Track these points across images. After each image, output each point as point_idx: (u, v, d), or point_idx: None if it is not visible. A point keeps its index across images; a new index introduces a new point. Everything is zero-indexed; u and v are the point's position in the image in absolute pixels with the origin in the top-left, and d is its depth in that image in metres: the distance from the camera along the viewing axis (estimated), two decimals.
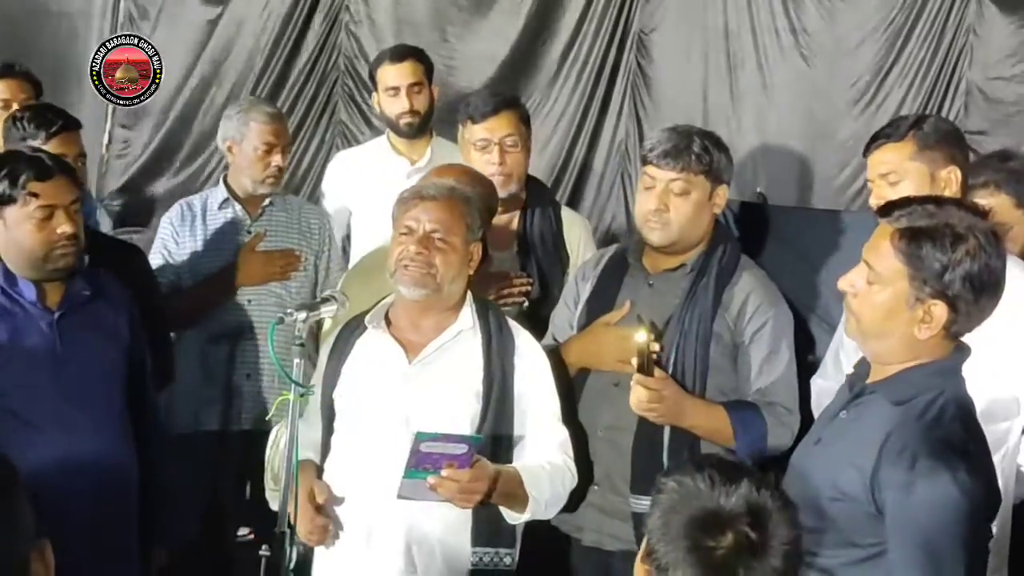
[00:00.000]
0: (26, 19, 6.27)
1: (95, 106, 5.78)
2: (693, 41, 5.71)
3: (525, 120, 3.88)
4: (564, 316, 3.47)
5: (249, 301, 4.13)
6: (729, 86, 5.65)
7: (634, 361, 3.10)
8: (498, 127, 3.76)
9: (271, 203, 4.23)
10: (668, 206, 3.25)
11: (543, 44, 5.95)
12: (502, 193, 3.69)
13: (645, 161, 3.32)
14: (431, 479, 2.79)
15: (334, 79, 6.24)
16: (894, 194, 2.90)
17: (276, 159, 4.17)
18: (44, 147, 3.55)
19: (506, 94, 4.02)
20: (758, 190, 5.24)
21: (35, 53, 5.72)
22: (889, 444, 2.27)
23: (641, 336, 3.08)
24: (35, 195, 3.09)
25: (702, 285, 3.27)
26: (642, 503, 3.17)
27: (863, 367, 2.49)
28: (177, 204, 4.31)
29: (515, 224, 3.82)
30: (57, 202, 3.12)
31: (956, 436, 2.27)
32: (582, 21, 5.90)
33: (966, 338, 2.40)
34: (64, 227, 3.11)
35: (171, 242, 4.17)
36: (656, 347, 3.17)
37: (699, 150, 3.26)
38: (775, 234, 4.21)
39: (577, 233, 3.91)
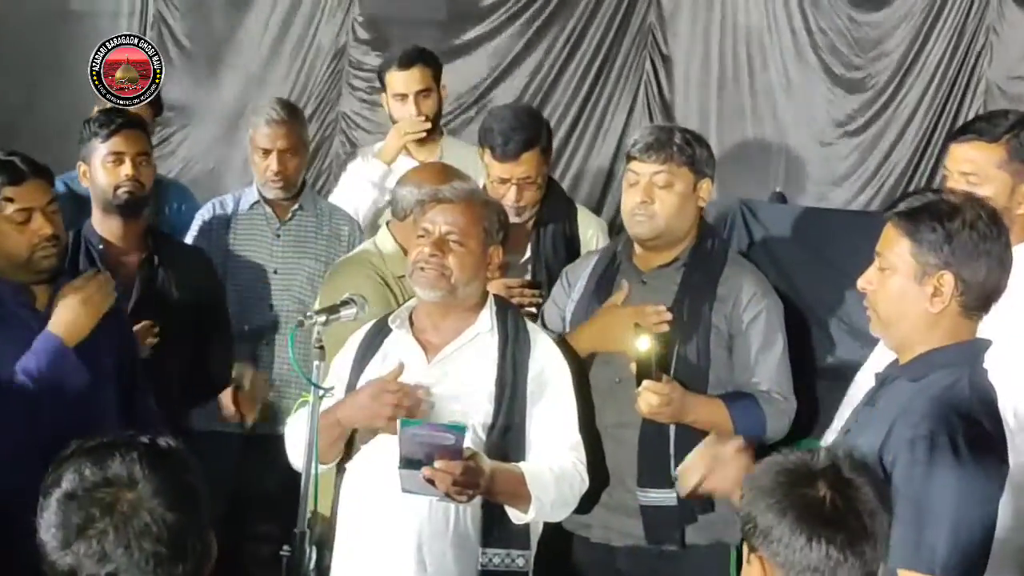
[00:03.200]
0: (52, 20, 6.31)
1: None
2: (709, 41, 5.70)
3: (547, 150, 3.83)
4: (554, 316, 3.50)
5: (271, 306, 4.16)
6: (746, 85, 5.64)
7: (632, 367, 3.12)
8: (518, 170, 3.73)
9: (300, 207, 4.23)
10: (653, 198, 3.29)
11: (554, 43, 5.96)
12: (512, 220, 3.69)
13: (629, 158, 3.37)
14: (426, 471, 2.81)
15: (338, 71, 6.25)
16: None
17: (272, 164, 4.14)
18: (104, 145, 3.66)
19: (529, 130, 3.76)
20: (776, 189, 5.24)
21: (62, 55, 5.77)
22: (902, 412, 2.36)
23: (644, 343, 3.09)
24: (10, 199, 3.09)
25: (695, 279, 3.31)
26: (649, 496, 3.22)
27: (892, 368, 2.53)
28: (210, 202, 4.33)
29: (529, 229, 3.83)
30: (34, 204, 3.11)
31: (965, 409, 2.33)
32: (591, 19, 5.90)
33: (1008, 342, 2.46)
34: (44, 229, 3.10)
35: (202, 239, 4.18)
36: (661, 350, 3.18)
37: (681, 142, 3.31)
38: (793, 233, 4.21)
39: (592, 234, 3.92)
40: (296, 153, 4.20)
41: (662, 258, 3.36)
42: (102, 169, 3.69)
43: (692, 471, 2.85)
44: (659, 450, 3.24)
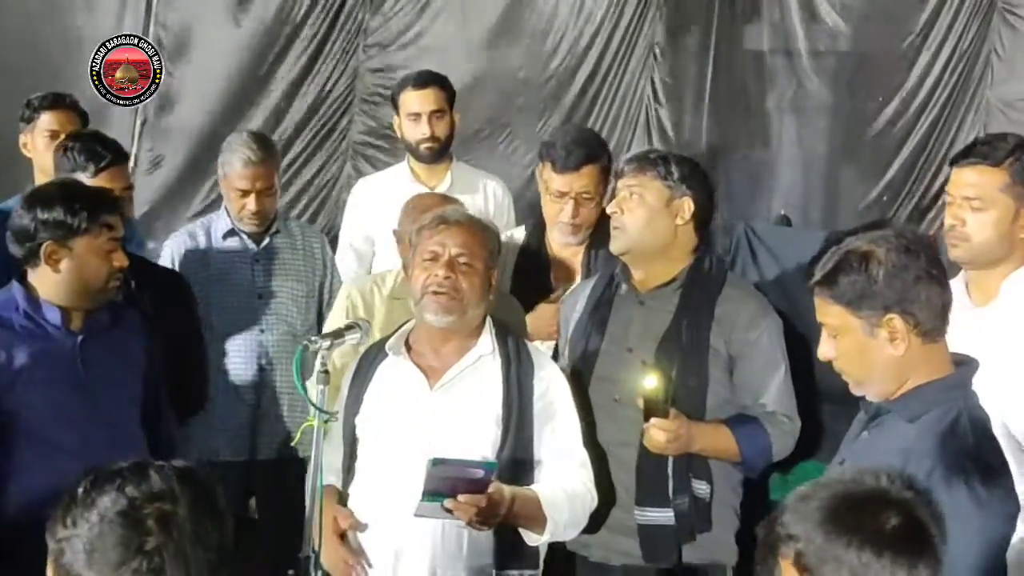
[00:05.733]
0: (60, 46, 6.34)
1: (122, 132, 5.85)
2: (710, 64, 5.70)
3: (606, 170, 3.82)
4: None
5: (261, 331, 4.14)
6: (747, 108, 5.64)
7: (640, 403, 3.11)
8: (577, 183, 3.74)
9: (276, 231, 4.21)
10: (623, 209, 3.29)
11: (561, 66, 5.98)
12: (567, 240, 3.76)
13: (616, 177, 3.42)
14: (447, 502, 2.82)
15: (350, 99, 6.27)
16: (974, 220, 2.89)
17: (250, 204, 4.08)
18: (92, 180, 3.59)
19: (591, 144, 3.83)
20: (781, 212, 5.25)
21: (64, 79, 5.78)
22: (910, 458, 2.29)
23: (650, 382, 3.08)
24: (110, 227, 3.16)
25: (693, 300, 3.30)
26: (647, 515, 3.22)
27: (883, 402, 2.51)
28: (181, 233, 4.29)
29: (580, 257, 3.84)
30: (120, 235, 3.20)
31: (971, 448, 2.30)
32: (594, 39, 5.92)
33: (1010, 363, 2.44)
34: (122, 260, 3.19)
35: (179, 269, 4.13)
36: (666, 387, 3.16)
37: (655, 157, 3.34)
38: (798, 256, 4.21)
39: None
40: (273, 191, 4.16)
41: (658, 279, 3.36)
42: None
43: None
44: (657, 469, 3.24)
